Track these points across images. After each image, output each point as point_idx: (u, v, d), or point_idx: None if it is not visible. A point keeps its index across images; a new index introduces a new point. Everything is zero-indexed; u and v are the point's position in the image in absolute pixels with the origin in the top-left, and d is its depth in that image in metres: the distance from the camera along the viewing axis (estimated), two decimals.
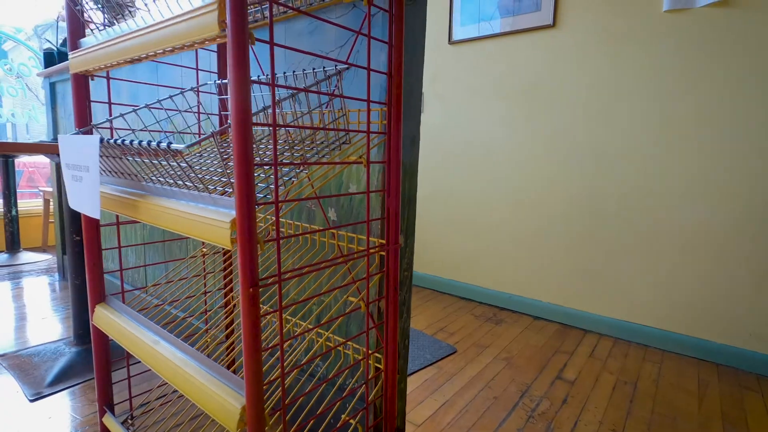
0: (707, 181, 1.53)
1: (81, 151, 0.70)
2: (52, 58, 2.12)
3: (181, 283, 1.36)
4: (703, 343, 1.57)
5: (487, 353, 1.57)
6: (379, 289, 0.84)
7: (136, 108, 0.92)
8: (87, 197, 0.70)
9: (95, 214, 0.68)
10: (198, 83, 1.00)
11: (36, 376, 1.27)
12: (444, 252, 2.27)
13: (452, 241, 2.23)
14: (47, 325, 1.67)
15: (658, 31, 1.59)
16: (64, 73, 2.03)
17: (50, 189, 2.86)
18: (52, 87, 2.16)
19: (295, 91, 0.59)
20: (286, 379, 1.04)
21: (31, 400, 1.17)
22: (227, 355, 1.11)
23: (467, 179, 2.14)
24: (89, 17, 0.83)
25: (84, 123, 0.85)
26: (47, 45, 2.15)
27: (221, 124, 1.09)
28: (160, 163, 0.63)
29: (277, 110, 0.91)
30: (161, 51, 0.62)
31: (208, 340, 1.14)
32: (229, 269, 1.08)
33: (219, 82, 1.06)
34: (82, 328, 1.42)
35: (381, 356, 0.84)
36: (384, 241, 0.80)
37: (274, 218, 0.84)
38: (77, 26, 0.82)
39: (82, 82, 0.84)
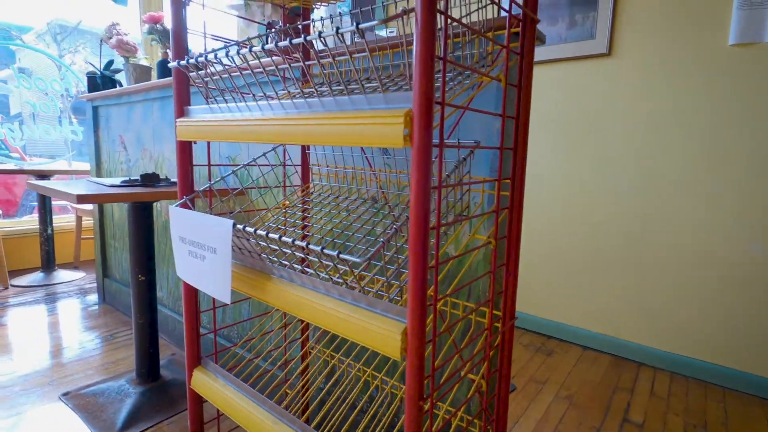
0: (767, 217, 1.51)
1: (208, 231, 0.68)
2: (95, 81, 2.11)
3: (268, 336, 1.35)
4: (766, 382, 1.55)
5: (546, 391, 1.56)
6: (488, 362, 0.82)
7: (235, 168, 0.91)
8: (212, 279, 0.69)
9: (225, 299, 0.67)
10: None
11: (105, 419, 1.27)
12: None
13: None
14: (102, 358, 1.67)
15: (721, 64, 1.56)
16: (108, 98, 2.03)
17: (82, 206, 2.86)
18: (95, 110, 2.15)
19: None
20: None
21: None
22: (301, 399, 1.10)
23: None
24: (199, 83, 0.82)
25: (188, 187, 0.84)
26: (90, 68, 2.14)
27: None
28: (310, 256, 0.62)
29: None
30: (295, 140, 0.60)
31: (288, 390, 1.13)
32: (305, 325, 1.07)
33: None
34: (146, 367, 1.41)
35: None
36: (500, 314, 0.78)
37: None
38: (184, 93, 0.81)
39: (187, 147, 0.83)
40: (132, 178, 1.29)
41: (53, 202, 3.33)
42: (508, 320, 0.76)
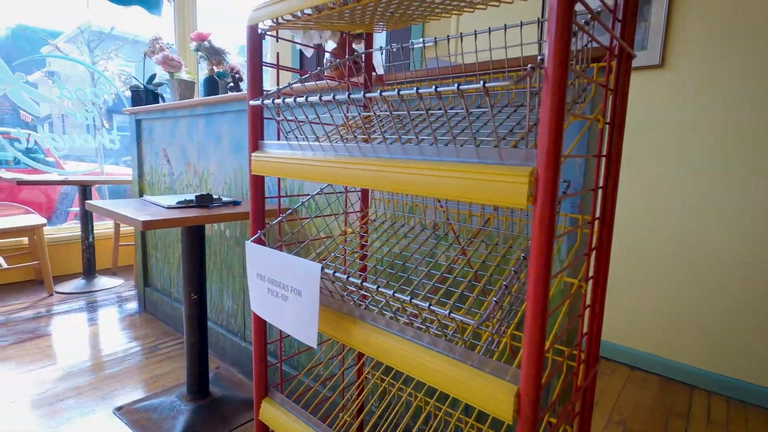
0: None
1: (292, 273, 0.68)
2: (138, 94, 2.15)
3: (325, 362, 1.34)
4: None
5: (599, 415, 1.51)
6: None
7: (305, 198, 0.90)
8: (297, 322, 0.68)
9: (311, 342, 0.66)
10: None
11: None
12: None
13: None
14: (149, 370, 1.70)
15: None
16: (152, 113, 2.06)
17: None
18: (138, 123, 2.19)
19: None
20: None
21: None
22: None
23: None
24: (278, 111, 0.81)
25: (261, 221, 0.83)
26: (134, 82, 2.18)
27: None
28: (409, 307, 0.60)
29: None
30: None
31: (348, 419, 1.12)
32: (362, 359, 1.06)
33: None
34: (196, 384, 1.43)
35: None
36: (584, 357, 0.76)
37: None
38: (260, 127, 0.80)
39: (260, 181, 0.83)
40: (187, 199, 1.30)
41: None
42: (593, 364, 0.74)
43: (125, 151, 3.52)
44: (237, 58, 2.01)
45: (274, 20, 0.75)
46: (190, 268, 1.36)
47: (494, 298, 0.49)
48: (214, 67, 1.69)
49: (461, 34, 0.73)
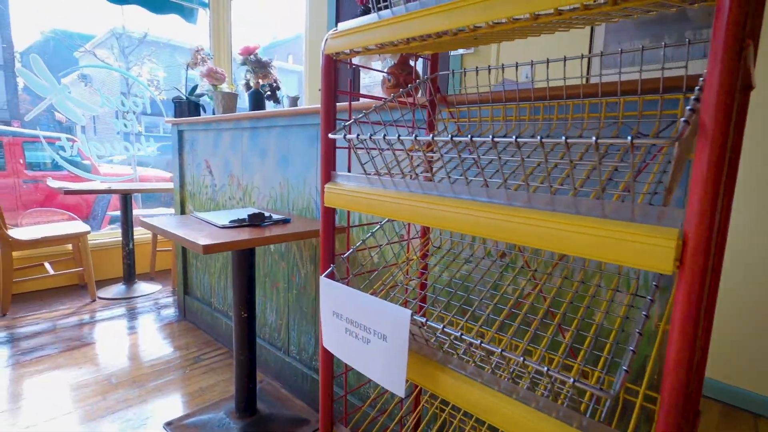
0: None
1: (376, 316, 0.65)
2: (180, 105, 2.17)
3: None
4: None
5: None
6: None
7: (374, 229, 0.87)
8: (381, 368, 0.65)
9: (398, 391, 0.63)
10: None
11: None
12: None
13: None
14: (194, 383, 1.71)
15: None
16: (195, 124, 2.07)
17: None
18: (180, 134, 2.21)
19: None
20: None
21: None
22: None
23: None
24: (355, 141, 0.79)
25: (332, 255, 0.81)
26: (176, 94, 2.20)
27: None
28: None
29: None
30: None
31: None
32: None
33: None
34: (244, 402, 1.42)
35: None
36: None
37: None
38: (333, 159, 0.78)
39: (331, 213, 0.80)
40: (240, 218, 1.29)
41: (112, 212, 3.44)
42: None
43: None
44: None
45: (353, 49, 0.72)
46: (240, 287, 1.35)
47: (624, 367, 0.45)
48: (260, 80, 1.68)
49: (564, 57, 0.68)
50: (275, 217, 1.37)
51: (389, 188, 0.67)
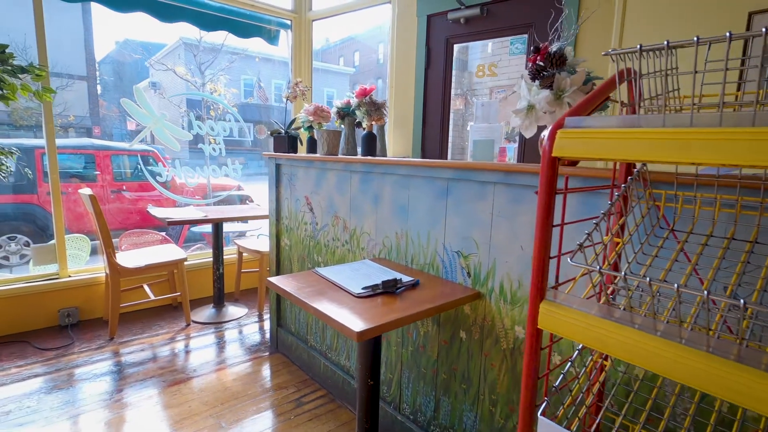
0: None
1: None
2: (280, 139, 2.16)
3: None
4: None
5: None
6: None
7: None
8: None
9: None
10: None
11: None
12: None
13: None
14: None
15: None
16: (293, 160, 2.05)
17: (242, 243, 3.02)
18: (278, 167, 2.20)
19: None
20: None
21: None
22: None
23: None
24: None
25: (535, 385, 0.69)
26: (275, 127, 2.19)
27: None
28: None
29: None
30: None
31: None
32: None
33: None
34: None
35: None
36: None
37: None
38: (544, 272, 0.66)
39: (539, 336, 0.69)
40: (373, 284, 1.21)
41: (193, 228, 3.50)
42: None
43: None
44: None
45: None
46: (367, 353, 1.27)
47: None
48: (373, 122, 1.61)
49: None
50: (405, 279, 1.29)
51: (639, 328, 0.54)
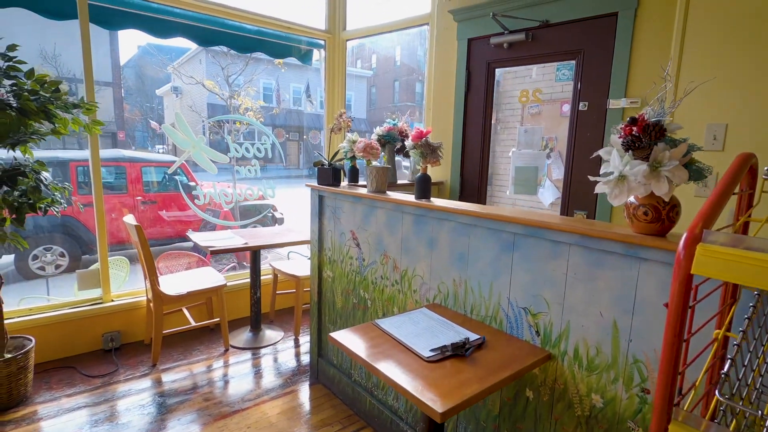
0: None
1: None
2: (323, 171, 2.14)
3: None
4: None
5: None
6: None
7: None
8: None
9: None
10: None
11: None
12: None
13: None
14: None
15: None
16: (338, 194, 2.03)
17: (277, 265, 3.02)
18: (321, 199, 2.19)
19: None
20: None
21: None
22: None
23: None
24: None
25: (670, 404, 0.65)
26: (318, 158, 2.18)
27: None
28: None
29: None
30: None
31: None
32: None
33: None
34: None
35: None
36: None
37: None
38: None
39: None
40: (443, 346, 1.18)
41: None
42: None
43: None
44: None
45: None
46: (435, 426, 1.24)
47: None
48: (428, 165, 1.57)
49: None
50: (472, 338, 1.25)
51: None
